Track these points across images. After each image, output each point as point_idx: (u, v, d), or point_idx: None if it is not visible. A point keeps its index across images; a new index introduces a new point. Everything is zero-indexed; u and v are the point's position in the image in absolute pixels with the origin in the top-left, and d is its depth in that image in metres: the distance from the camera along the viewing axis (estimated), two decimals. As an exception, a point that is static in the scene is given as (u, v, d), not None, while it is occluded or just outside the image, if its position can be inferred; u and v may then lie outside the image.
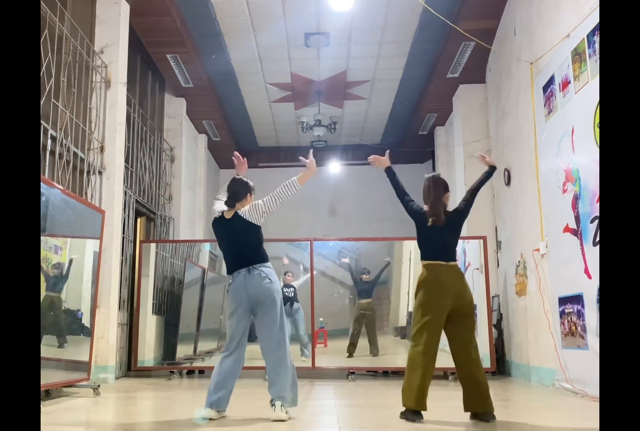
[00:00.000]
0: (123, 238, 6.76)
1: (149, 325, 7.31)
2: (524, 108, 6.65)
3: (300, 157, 4.14)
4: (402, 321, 7.36)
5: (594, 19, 4.64)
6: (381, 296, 7.48)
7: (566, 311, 5.40)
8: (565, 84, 5.41)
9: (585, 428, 3.54)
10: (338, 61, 9.11)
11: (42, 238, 4.41)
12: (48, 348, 4.70)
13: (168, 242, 8.43)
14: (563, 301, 5.48)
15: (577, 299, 5.12)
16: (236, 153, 4.24)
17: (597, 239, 4.70)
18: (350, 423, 3.84)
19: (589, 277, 4.86)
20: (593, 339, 4.80)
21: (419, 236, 3.96)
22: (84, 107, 6.20)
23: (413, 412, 3.61)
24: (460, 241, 4.67)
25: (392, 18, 7.84)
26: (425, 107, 10.28)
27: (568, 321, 5.35)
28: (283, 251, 7.55)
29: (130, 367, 7.20)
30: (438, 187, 3.92)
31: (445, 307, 3.68)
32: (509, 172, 7.36)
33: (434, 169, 11.71)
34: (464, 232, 4.55)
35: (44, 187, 4.38)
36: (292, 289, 7.31)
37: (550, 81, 5.77)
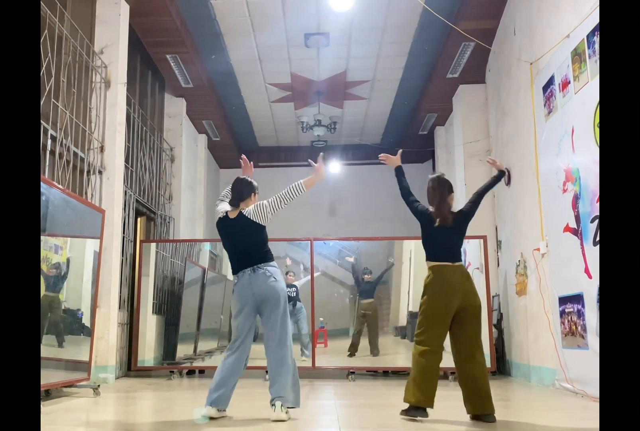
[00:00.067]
0: (123, 237, 6.76)
1: (149, 325, 7.31)
2: (524, 108, 6.66)
3: (309, 161, 4.14)
4: (402, 321, 7.36)
5: (594, 19, 4.64)
6: (381, 296, 7.48)
7: (566, 310, 5.40)
8: (565, 84, 5.42)
9: (585, 428, 3.54)
10: (338, 61, 9.11)
11: (42, 237, 4.41)
12: (48, 348, 4.70)
13: (168, 242, 8.44)
14: (563, 300, 5.49)
15: (577, 298, 5.13)
16: (243, 156, 4.29)
17: (597, 238, 4.70)
18: (350, 423, 3.84)
19: (589, 277, 4.86)
20: (593, 339, 4.80)
21: (424, 237, 3.94)
22: (84, 107, 6.20)
23: (415, 408, 3.60)
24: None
25: (392, 18, 7.84)
26: (425, 107, 10.28)
27: (568, 321, 5.35)
28: (283, 251, 7.55)
29: (130, 367, 7.20)
30: (443, 188, 3.90)
31: (452, 308, 3.67)
32: (509, 172, 7.36)
33: (434, 169, 11.71)
34: (464, 232, 4.54)
35: (44, 187, 4.38)
36: (294, 289, 7.31)
37: (550, 81, 5.78)
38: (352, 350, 7.25)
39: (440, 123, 10.89)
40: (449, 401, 4.33)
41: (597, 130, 4.64)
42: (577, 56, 5.09)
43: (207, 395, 3.72)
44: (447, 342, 3.78)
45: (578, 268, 5.05)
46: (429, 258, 3.87)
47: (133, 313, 7.31)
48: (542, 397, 5.17)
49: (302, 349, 7.20)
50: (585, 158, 4.95)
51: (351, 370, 6.88)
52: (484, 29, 7.49)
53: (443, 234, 3.83)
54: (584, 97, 4.93)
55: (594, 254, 4.76)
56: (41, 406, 3.95)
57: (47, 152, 5.35)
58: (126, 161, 7.17)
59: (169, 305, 7.75)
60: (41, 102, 4.97)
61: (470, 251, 7.24)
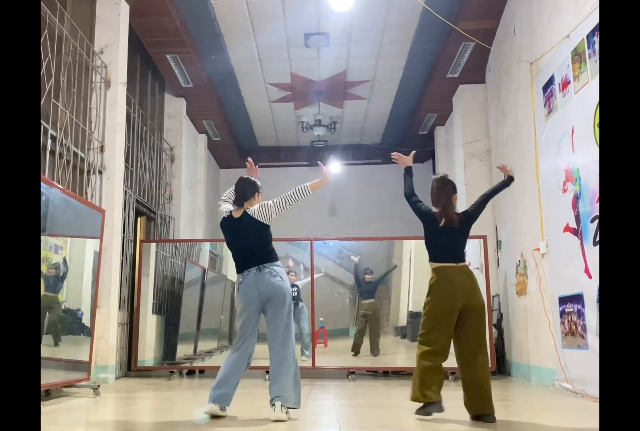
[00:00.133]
0: (123, 237, 6.76)
1: (149, 325, 7.31)
2: (524, 108, 6.66)
3: (319, 162, 4.16)
4: (403, 321, 7.36)
5: (594, 19, 4.64)
6: (381, 296, 7.48)
7: (566, 310, 5.40)
8: (565, 84, 5.42)
9: (585, 428, 3.54)
10: (338, 61, 9.11)
11: (42, 237, 4.41)
12: (45, 348, 4.69)
13: (168, 242, 8.43)
14: (563, 300, 5.49)
15: (577, 298, 5.13)
16: (249, 159, 4.32)
17: (597, 238, 4.70)
18: (350, 423, 3.84)
19: (589, 277, 4.86)
20: (593, 339, 4.80)
21: (427, 238, 3.92)
22: (84, 107, 6.20)
23: (428, 404, 3.58)
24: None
25: (392, 18, 7.84)
26: (425, 107, 10.28)
27: (568, 321, 5.35)
28: (283, 251, 7.55)
29: (130, 367, 7.20)
30: (447, 189, 3.88)
31: (456, 308, 3.66)
32: (509, 172, 7.36)
33: (434, 169, 11.71)
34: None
35: (44, 187, 4.38)
36: (295, 288, 7.31)
37: (550, 81, 5.78)
38: (356, 350, 7.26)
39: (440, 123, 10.89)
40: (449, 401, 4.32)
41: (597, 130, 4.64)
42: (577, 56, 5.09)
43: (209, 393, 3.72)
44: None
45: (578, 268, 5.05)
46: (432, 259, 3.86)
47: (133, 313, 7.31)
48: (542, 397, 5.17)
49: (302, 350, 7.20)
50: (585, 158, 4.95)
51: (351, 370, 6.88)
52: (484, 29, 7.49)
53: (447, 234, 3.81)
54: (584, 97, 4.93)
55: (594, 254, 4.76)
56: (41, 406, 3.95)
57: (47, 152, 5.35)
58: (126, 161, 7.17)
59: (169, 305, 7.75)
60: (41, 102, 4.97)
61: (470, 251, 7.22)
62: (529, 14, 6.41)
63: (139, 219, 8.13)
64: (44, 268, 4.57)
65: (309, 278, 7.29)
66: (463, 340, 3.72)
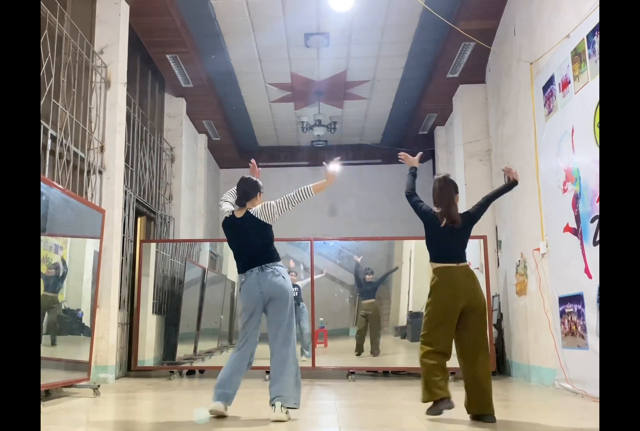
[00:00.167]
0: (123, 237, 6.76)
1: (149, 325, 7.31)
2: (524, 108, 6.66)
3: (324, 163, 4.19)
4: (402, 321, 7.36)
5: (594, 19, 4.64)
6: (381, 295, 7.48)
7: (566, 310, 5.40)
8: (565, 84, 5.42)
9: (585, 428, 3.54)
10: (338, 61, 9.11)
11: (42, 237, 4.41)
12: (45, 348, 4.69)
13: (168, 242, 8.43)
14: (563, 300, 5.49)
15: (577, 298, 5.13)
16: (253, 161, 4.34)
17: (597, 238, 4.70)
18: (350, 423, 3.84)
19: (589, 277, 4.86)
20: (593, 339, 4.80)
21: (428, 238, 3.92)
22: (84, 107, 6.20)
23: (438, 402, 3.57)
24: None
25: (392, 18, 7.84)
26: (425, 107, 10.28)
27: (568, 321, 5.35)
28: (283, 251, 7.54)
29: (130, 367, 7.20)
30: (450, 189, 3.88)
31: (457, 309, 3.66)
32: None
33: (434, 169, 11.71)
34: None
35: (44, 187, 4.38)
36: (296, 288, 7.31)
37: (550, 81, 5.78)
38: (359, 350, 7.27)
39: (440, 123, 10.89)
40: (449, 401, 4.32)
41: (597, 130, 4.64)
42: (577, 56, 5.09)
43: (213, 392, 3.74)
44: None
45: (578, 268, 5.05)
46: (432, 259, 3.86)
47: (133, 313, 7.31)
48: (542, 397, 5.17)
49: (303, 350, 7.20)
50: (585, 158, 4.95)
51: (351, 370, 6.88)
52: (484, 29, 7.49)
53: (448, 234, 3.81)
54: (584, 97, 4.93)
55: (594, 254, 4.76)
56: (41, 406, 3.95)
57: (47, 152, 5.35)
58: (126, 161, 7.17)
59: (169, 305, 7.75)
60: (41, 102, 4.97)
61: (470, 251, 7.19)
62: (529, 14, 6.41)
63: (139, 219, 8.13)
64: (44, 268, 4.57)
65: (317, 276, 7.30)
66: (464, 340, 3.72)
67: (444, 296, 3.69)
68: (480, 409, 3.61)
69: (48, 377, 4.44)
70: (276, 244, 4.03)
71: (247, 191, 3.97)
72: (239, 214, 3.92)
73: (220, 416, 3.71)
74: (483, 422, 3.55)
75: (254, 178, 4.06)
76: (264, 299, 3.81)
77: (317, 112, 10.72)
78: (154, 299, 7.46)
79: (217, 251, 8.10)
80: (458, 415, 3.74)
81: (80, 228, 5.34)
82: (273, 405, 3.63)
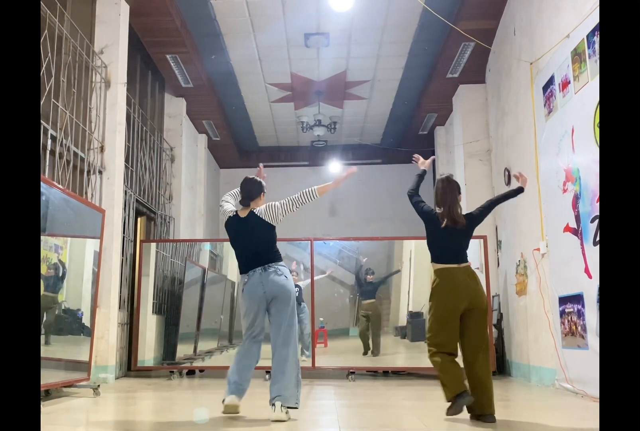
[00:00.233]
0: (123, 237, 6.76)
1: (149, 325, 7.31)
2: (524, 108, 6.66)
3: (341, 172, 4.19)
4: (402, 321, 7.36)
5: (594, 19, 4.64)
6: (381, 295, 7.48)
7: (566, 310, 5.40)
8: (565, 84, 5.42)
9: (585, 428, 3.54)
10: (338, 61, 9.11)
11: (42, 237, 4.41)
12: (45, 348, 4.69)
13: (168, 241, 8.43)
14: (563, 300, 5.49)
15: (577, 298, 5.13)
16: (261, 165, 4.36)
17: (597, 238, 4.70)
18: (350, 423, 3.84)
19: (589, 277, 4.86)
20: (593, 339, 4.80)
21: (429, 238, 3.91)
22: (84, 107, 6.20)
23: (456, 398, 3.54)
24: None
25: (392, 18, 7.84)
26: (425, 107, 10.28)
27: (568, 321, 5.35)
28: (284, 251, 7.49)
29: (130, 367, 7.20)
30: (453, 190, 3.87)
31: (459, 309, 3.67)
32: (509, 172, 7.37)
33: (434, 169, 11.70)
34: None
35: (44, 187, 4.38)
36: (297, 289, 7.32)
37: (550, 81, 5.78)
38: (367, 349, 7.26)
39: (440, 123, 10.89)
40: (449, 401, 4.32)
41: (597, 130, 4.64)
42: (577, 56, 5.09)
43: (225, 388, 3.78)
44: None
45: (578, 268, 5.05)
46: (434, 260, 3.85)
47: (133, 313, 7.31)
48: (542, 397, 5.17)
49: (303, 350, 7.20)
50: (585, 158, 4.95)
51: (351, 370, 6.88)
52: (484, 29, 7.49)
53: (449, 235, 3.81)
54: (584, 97, 4.94)
55: (594, 254, 4.76)
56: (41, 406, 3.95)
57: (47, 152, 5.35)
58: (126, 161, 7.17)
59: (169, 305, 7.75)
60: (41, 102, 4.97)
61: (471, 251, 7.19)
62: (529, 14, 6.41)
63: (139, 219, 8.13)
64: (43, 268, 4.57)
65: (319, 277, 7.30)
66: (465, 340, 3.72)
67: (446, 298, 3.69)
68: (480, 409, 3.61)
69: (48, 377, 4.44)
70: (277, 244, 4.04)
71: (251, 191, 3.99)
72: (243, 213, 3.93)
73: (232, 413, 3.72)
74: (483, 422, 3.55)
75: (258, 179, 4.08)
76: (267, 299, 3.82)
77: (317, 112, 10.72)
78: (154, 299, 7.46)
79: (217, 251, 8.10)
80: (458, 415, 3.73)
81: (80, 228, 5.34)
82: (273, 404, 3.63)
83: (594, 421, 3.12)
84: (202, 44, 8.46)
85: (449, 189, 3.87)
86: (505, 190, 7.47)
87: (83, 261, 5.42)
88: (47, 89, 5.31)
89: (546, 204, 5.96)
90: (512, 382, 6.62)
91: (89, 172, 6.08)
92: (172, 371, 7.05)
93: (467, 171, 8.78)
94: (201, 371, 7.94)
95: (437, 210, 3.89)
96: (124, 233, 6.82)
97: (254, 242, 3.90)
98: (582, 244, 5.02)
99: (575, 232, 5.17)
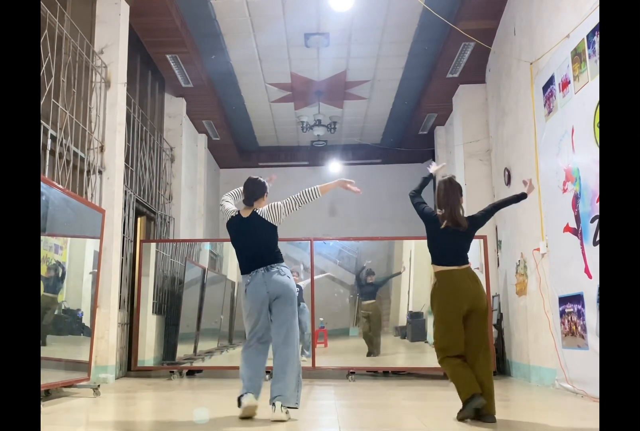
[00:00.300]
0: (123, 237, 6.76)
1: (149, 325, 7.31)
2: (524, 108, 6.66)
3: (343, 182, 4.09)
4: (402, 321, 7.36)
5: (594, 19, 4.64)
6: (381, 295, 7.48)
7: (566, 310, 5.40)
8: (565, 84, 5.42)
9: (585, 428, 3.54)
10: (338, 61, 9.11)
11: (42, 237, 4.41)
12: (44, 348, 4.68)
13: (168, 241, 8.43)
14: (563, 300, 5.49)
15: (577, 298, 5.13)
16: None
17: (597, 238, 4.70)
18: (350, 423, 3.84)
19: (589, 277, 4.86)
20: (593, 339, 4.80)
21: (429, 240, 3.91)
22: (84, 107, 6.20)
23: (468, 401, 3.54)
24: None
25: (392, 18, 7.84)
26: (425, 107, 10.28)
27: (568, 321, 5.35)
28: (283, 251, 7.50)
29: (130, 367, 7.20)
30: (455, 191, 3.86)
31: (462, 311, 3.67)
32: (509, 172, 7.37)
33: (434, 169, 11.69)
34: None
35: (44, 187, 4.38)
36: (297, 289, 7.31)
37: (550, 81, 5.78)
38: (371, 348, 7.26)
39: (440, 123, 10.89)
40: (449, 401, 4.33)
41: (597, 130, 4.64)
42: (577, 56, 5.09)
43: (241, 389, 3.74)
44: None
45: (578, 268, 5.05)
46: (435, 261, 3.85)
47: (133, 313, 7.31)
48: (542, 397, 5.17)
49: (303, 349, 7.20)
50: (585, 158, 4.95)
51: (351, 370, 6.88)
52: (484, 29, 7.49)
53: (450, 237, 3.80)
54: (584, 97, 4.94)
55: (594, 254, 4.76)
56: (41, 406, 3.95)
57: (47, 152, 5.35)
58: (126, 161, 7.17)
59: (169, 305, 7.75)
60: (41, 102, 4.97)
61: (471, 251, 7.20)
62: (529, 14, 6.41)
63: (139, 219, 8.13)
64: (43, 269, 4.56)
65: (319, 276, 7.30)
66: (465, 341, 3.72)
67: (448, 301, 3.69)
68: (481, 409, 3.61)
69: (48, 377, 4.44)
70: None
71: (255, 191, 3.98)
72: (245, 213, 3.93)
73: (250, 415, 3.68)
74: (483, 422, 3.55)
75: (262, 179, 4.06)
76: (270, 298, 3.83)
77: (317, 112, 10.72)
78: (154, 299, 7.46)
79: (217, 251, 8.09)
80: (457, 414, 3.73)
81: (80, 228, 5.33)
82: (273, 404, 3.63)
83: (594, 421, 3.12)
84: (202, 44, 8.47)
85: (451, 191, 3.86)
86: (505, 190, 7.52)
87: (83, 261, 5.42)
88: (47, 89, 5.31)
89: (546, 204, 5.96)
90: (512, 382, 6.62)
91: (89, 172, 6.08)
92: (172, 371, 7.05)
93: (467, 171, 8.78)
94: (199, 371, 7.94)
95: (438, 211, 3.89)
96: (124, 233, 6.82)
97: (256, 242, 3.90)
98: (582, 244, 5.02)
99: (575, 232, 5.17)
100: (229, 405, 3.78)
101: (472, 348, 3.70)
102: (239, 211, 3.96)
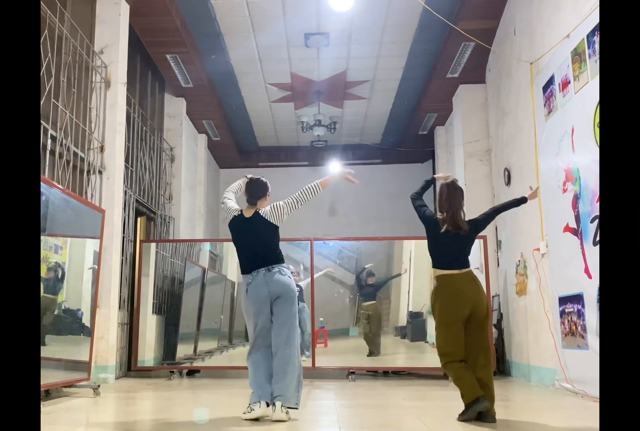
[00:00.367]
0: (123, 237, 6.76)
1: (149, 325, 7.31)
2: (524, 108, 6.66)
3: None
4: (402, 321, 7.36)
5: (594, 19, 4.64)
6: (381, 296, 7.48)
7: (566, 310, 5.40)
8: (565, 84, 5.42)
9: (585, 428, 3.54)
10: (338, 61, 9.11)
11: (42, 237, 4.41)
12: (44, 348, 4.68)
13: (168, 241, 8.43)
14: (563, 300, 5.49)
15: (577, 298, 5.13)
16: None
17: (597, 238, 4.70)
18: (350, 423, 3.84)
19: (589, 277, 4.86)
20: (593, 339, 4.80)
21: (430, 243, 3.90)
22: (84, 107, 6.20)
23: (471, 404, 3.54)
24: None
25: (392, 18, 7.84)
26: (425, 107, 10.28)
27: (568, 321, 5.35)
28: (283, 251, 7.51)
29: (130, 367, 7.20)
30: (457, 195, 3.85)
31: (463, 315, 3.68)
32: (509, 172, 7.37)
33: (434, 169, 11.72)
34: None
35: (44, 187, 4.38)
36: (297, 289, 7.31)
37: (550, 81, 5.78)
38: (372, 348, 7.26)
39: (440, 123, 10.88)
40: (449, 401, 4.33)
41: (597, 130, 4.64)
42: (577, 56, 5.09)
43: (251, 396, 3.69)
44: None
45: (578, 268, 5.05)
46: (435, 265, 3.84)
47: (133, 313, 7.31)
48: (542, 397, 5.17)
49: (303, 350, 7.20)
50: (585, 158, 4.95)
51: (351, 370, 6.88)
52: (484, 29, 7.49)
53: (451, 241, 3.79)
54: (584, 97, 4.94)
55: (594, 254, 4.76)
56: (41, 406, 3.94)
57: (47, 152, 5.35)
58: (126, 161, 7.17)
59: (169, 305, 7.75)
60: (41, 102, 4.97)
61: (470, 251, 7.24)
62: (529, 14, 6.41)
63: (139, 219, 8.13)
64: (43, 269, 4.56)
65: (318, 274, 7.29)
66: (466, 344, 3.72)
67: (448, 305, 3.69)
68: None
69: (48, 377, 4.44)
70: (277, 245, 4.03)
71: (257, 191, 3.99)
72: (248, 213, 3.93)
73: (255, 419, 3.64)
74: (483, 422, 3.55)
75: (264, 179, 4.07)
76: (272, 298, 3.83)
77: (317, 112, 10.72)
78: (154, 299, 7.46)
79: (217, 251, 8.09)
80: (457, 414, 3.73)
81: (80, 228, 5.33)
82: (273, 404, 3.63)
83: (594, 421, 3.11)
84: (202, 43, 8.46)
85: (453, 194, 3.85)
86: (505, 190, 7.52)
87: (83, 261, 5.42)
88: (47, 89, 5.31)
89: (546, 204, 5.96)
90: (512, 382, 6.62)
91: (88, 172, 6.08)
92: (172, 371, 7.05)
93: (467, 171, 8.78)
94: (197, 371, 7.93)
95: (439, 215, 3.88)
96: (123, 233, 6.82)
97: (258, 242, 3.90)
98: (582, 244, 5.02)
99: (575, 232, 5.17)
100: (229, 405, 3.78)
101: (473, 350, 3.71)
102: (241, 211, 3.97)
